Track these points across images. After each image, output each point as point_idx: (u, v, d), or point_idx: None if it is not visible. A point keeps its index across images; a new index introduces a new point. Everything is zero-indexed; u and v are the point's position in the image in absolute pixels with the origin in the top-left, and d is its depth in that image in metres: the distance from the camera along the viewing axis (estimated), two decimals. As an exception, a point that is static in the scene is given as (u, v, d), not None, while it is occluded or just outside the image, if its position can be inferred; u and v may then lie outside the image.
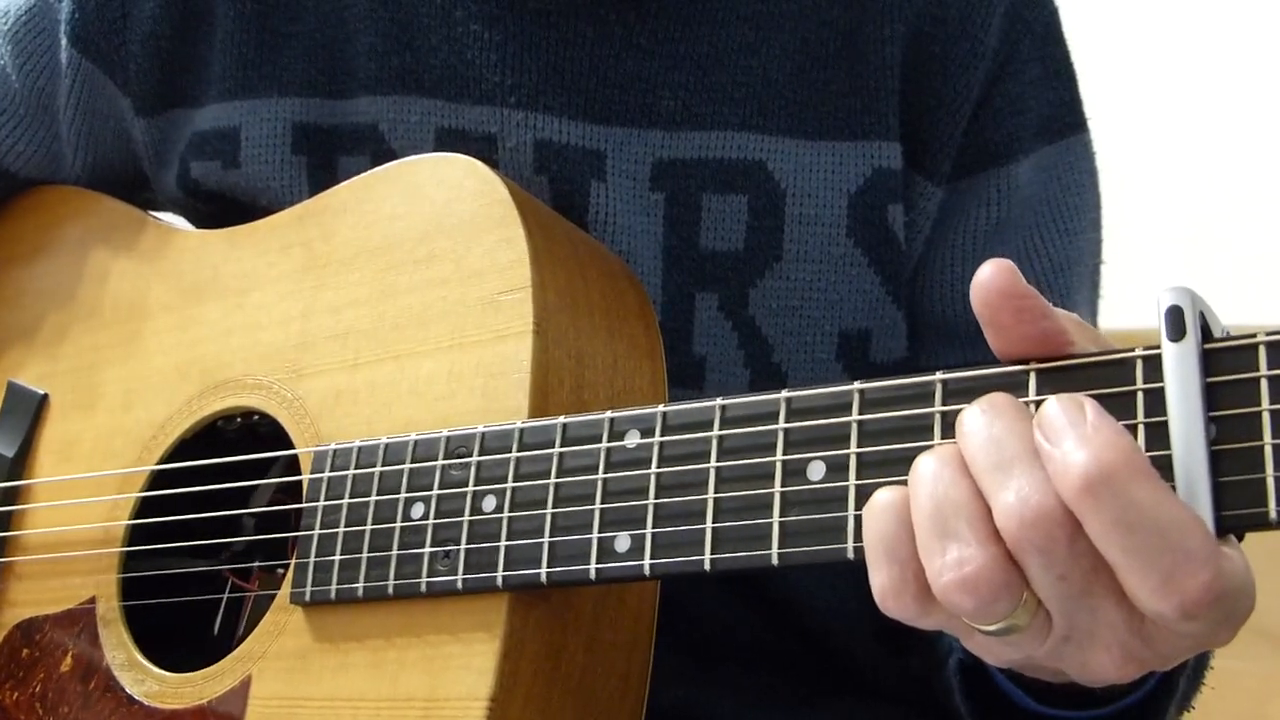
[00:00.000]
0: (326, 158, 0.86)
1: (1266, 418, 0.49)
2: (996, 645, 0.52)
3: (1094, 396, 0.52)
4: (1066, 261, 0.85)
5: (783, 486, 0.58)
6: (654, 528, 0.61)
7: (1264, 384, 0.49)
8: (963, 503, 0.50)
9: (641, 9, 0.83)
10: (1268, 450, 0.48)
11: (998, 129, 0.85)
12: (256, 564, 0.83)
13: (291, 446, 0.77)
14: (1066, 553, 0.49)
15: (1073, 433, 0.49)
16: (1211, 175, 1.93)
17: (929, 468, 0.52)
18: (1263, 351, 0.49)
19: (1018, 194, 0.85)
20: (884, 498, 0.53)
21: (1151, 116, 1.93)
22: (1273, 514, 0.48)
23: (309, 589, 0.71)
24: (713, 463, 0.60)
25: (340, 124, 0.86)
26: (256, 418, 0.81)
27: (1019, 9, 0.85)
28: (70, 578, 0.84)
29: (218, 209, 0.90)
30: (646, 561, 0.61)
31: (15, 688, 0.84)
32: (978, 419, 0.51)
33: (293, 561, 0.73)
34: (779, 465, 0.58)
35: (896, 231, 0.83)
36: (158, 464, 0.82)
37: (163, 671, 0.78)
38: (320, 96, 0.87)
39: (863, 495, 0.56)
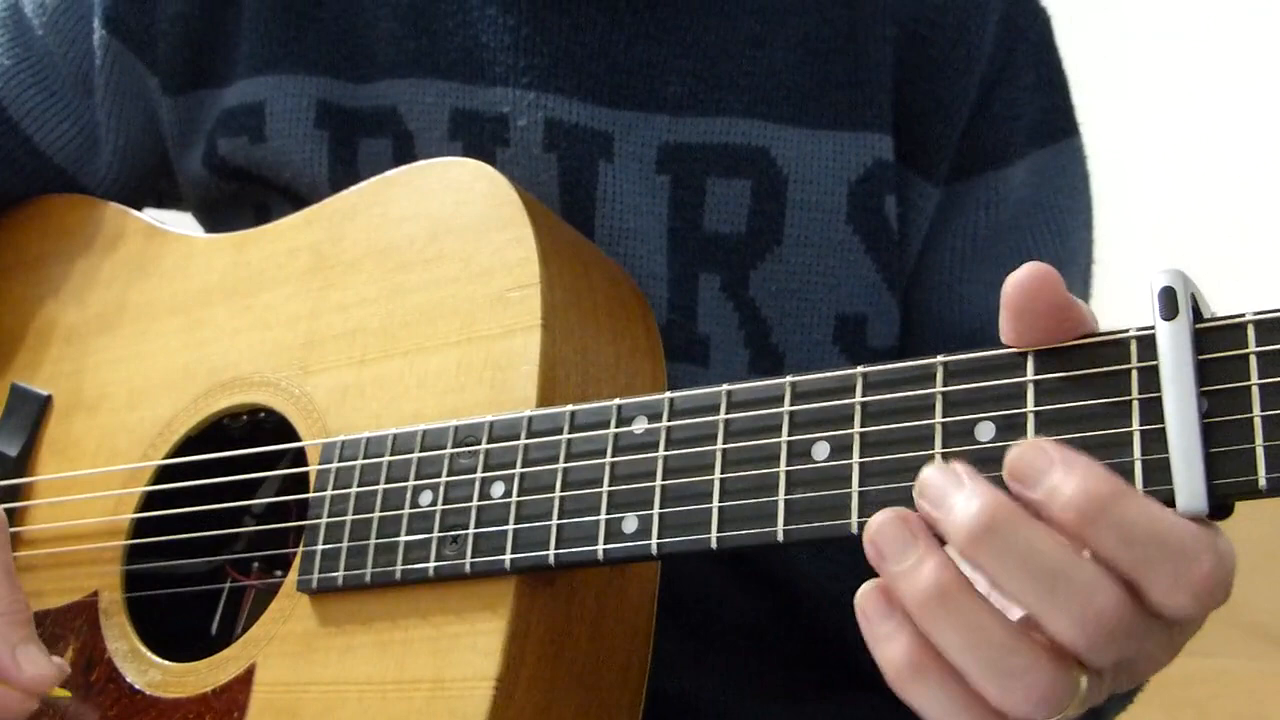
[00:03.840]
0: (348, 137, 0.88)
1: (1255, 391, 0.51)
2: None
3: (1091, 375, 0.54)
4: (1058, 262, 0.85)
5: (788, 466, 0.60)
6: (661, 508, 0.63)
7: (1253, 360, 0.51)
8: (1009, 641, 0.50)
9: None
10: (1257, 422, 0.51)
11: (994, 133, 0.87)
12: (257, 556, 0.83)
13: (298, 442, 0.78)
14: (1125, 640, 0.50)
15: (1052, 476, 0.50)
16: (1202, 176, 1.98)
17: (961, 630, 0.51)
18: (1251, 330, 0.52)
19: (1012, 196, 0.88)
20: (898, 657, 0.53)
21: (1140, 117, 1.98)
22: (1262, 482, 0.50)
23: (316, 576, 0.72)
24: (719, 445, 0.62)
25: (362, 107, 0.88)
26: (263, 415, 0.82)
27: (1014, 17, 0.89)
28: (73, 572, 0.84)
29: (241, 188, 0.92)
30: (654, 541, 0.62)
31: (15, 682, 0.84)
32: (994, 541, 0.50)
33: (300, 550, 0.74)
34: (784, 446, 0.60)
35: (892, 221, 0.86)
36: (163, 460, 0.83)
37: (166, 661, 0.78)
38: (343, 80, 0.89)
39: (866, 473, 0.58)
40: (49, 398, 0.93)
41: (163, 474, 0.84)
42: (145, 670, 0.79)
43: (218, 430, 0.84)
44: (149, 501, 0.84)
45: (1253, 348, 0.52)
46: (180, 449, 0.84)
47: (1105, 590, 0.50)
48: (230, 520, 0.82)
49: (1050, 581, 0.50)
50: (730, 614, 0.83)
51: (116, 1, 0.94)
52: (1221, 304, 0.55)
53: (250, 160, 0.90)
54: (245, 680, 0.74)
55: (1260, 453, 0.50)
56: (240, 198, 0.92)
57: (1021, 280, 0.54)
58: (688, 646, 0.79)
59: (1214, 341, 0.52)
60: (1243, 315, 0.52)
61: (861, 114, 0.86)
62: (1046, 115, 0.90)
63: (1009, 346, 0.56)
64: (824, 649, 0.83)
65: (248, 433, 0.83)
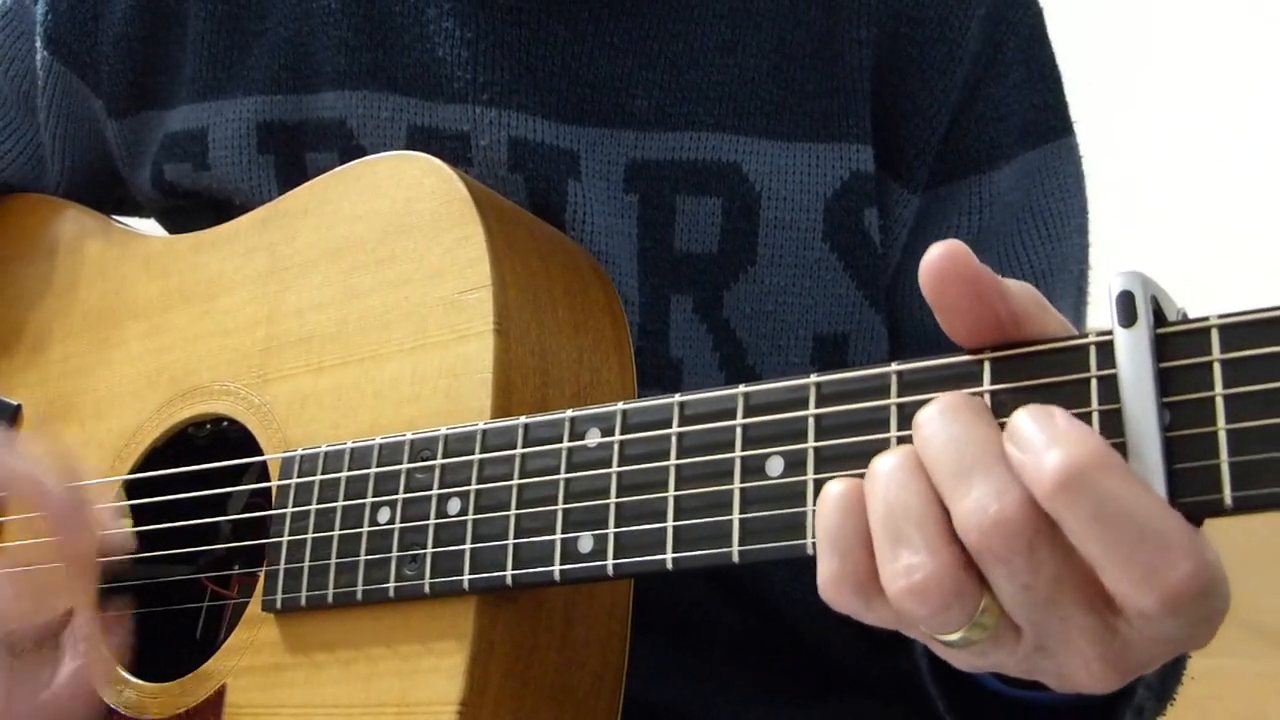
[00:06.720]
0: (294, 155, 0.85)
1: (1220, 402, 0.48)
2: (962, 654, 0.51)
3: (1048, 384, 0.52)
4: (1049, 268, 0.83)
5: (742, 483, 0.57)
6: (616, 528, 0.61)
7: (1217, 368, 0.48)
8: (915, 507, 0.49)
9: (615, 7, 0.82)
10: (1222, 435, 0.48)
11: (979, 135, 0.83)
12: (235, 570, 0.82)
13: (260, 453, 0.76)
14: (1026, 562, 0.47)
15: (1043, 435, 0.47)
16: (1204, 176, 1.91)
17: (884, 468, 0.51)
18: (1215, 335, 0.49)
19: (999, 201, 0.83)
20: (834, 489, 0.52)
21: (1139, 114, 1.91)
22: (1228, 500, 0.47)
23: (279, 596, 0.71)
24: (672, 461, 0.60)
25: (306, 119, 0.85)
26: (226, 424, 0.80)
27: (1002, 10, 0.83)
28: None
29: (194, 205, 0.90)
30: (610, 562, 0.61)
31: (-5, 701, 0.84)
32: (935, 421, 0.50)
33: (263, 570, 0.72)
34: (737, 462, 0.58)
35: (872, 235, 0.81)
36: (130, 473, 0.82)
37: (140, 681, 0.77)
38: (285, 93, 0.86)
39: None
40: (19, 407, 0.91)
41: (131, 488, 0.82)
42: (120, 690, 0.78)
43: (183, 439, 0.82)
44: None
45: (1217, 354, 0.49)
46: (146, 459, 0.83)
47: (1016, 490, 0.47)
48: (202, 534, 0.81)
49: (970, 465, 0.48)
50: (714, 622, 0.81)
51: (58, 23, 0.91)
52: (1224, 306, 0.51)
53: (198, 185, 0.88)
54: (216, 702, 0.73)
55: (1225, 469, 0.48)
56: (197, 208, 0.90)
57: (933, 267, 0.51)
58: (672, 655, 0.77)
59: (1176, 348, 0.49)
60: (1206, 319, 0.49)
61: (838, 123, 0.81)
62: (1037, 114, 0.84)
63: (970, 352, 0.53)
64: (807, 655, 0.81)
65: (212, 442, 0.82)
